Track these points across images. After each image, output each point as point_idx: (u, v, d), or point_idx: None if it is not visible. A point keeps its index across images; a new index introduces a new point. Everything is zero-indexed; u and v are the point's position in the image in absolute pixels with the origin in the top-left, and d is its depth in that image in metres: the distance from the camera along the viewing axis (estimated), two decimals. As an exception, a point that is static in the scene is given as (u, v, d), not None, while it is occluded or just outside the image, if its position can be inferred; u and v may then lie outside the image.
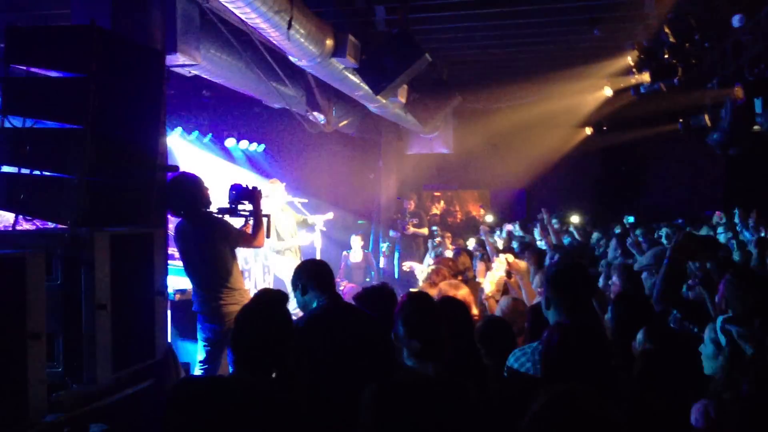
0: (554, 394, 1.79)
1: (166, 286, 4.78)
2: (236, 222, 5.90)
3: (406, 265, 8.80)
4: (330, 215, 9.48)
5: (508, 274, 5.42)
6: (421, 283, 5.64)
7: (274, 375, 2.71)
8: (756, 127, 9.27)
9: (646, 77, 8.76)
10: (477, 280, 6.48)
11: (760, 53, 7.89)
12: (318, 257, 9.18)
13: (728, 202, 11.79)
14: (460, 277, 6.33)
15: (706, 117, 10.72)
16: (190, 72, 6.47)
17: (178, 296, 6.42)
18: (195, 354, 5.57)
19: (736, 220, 8.39)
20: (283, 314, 2.78)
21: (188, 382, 2.74)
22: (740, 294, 3.38)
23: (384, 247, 13.15)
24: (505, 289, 5.48)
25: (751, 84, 8.01)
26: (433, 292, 4.62)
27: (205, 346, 5.39)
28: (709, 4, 7.36)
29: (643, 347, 3.19)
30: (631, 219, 11.93)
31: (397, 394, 2.78)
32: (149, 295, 4.23)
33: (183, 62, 5.66)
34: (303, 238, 9.04)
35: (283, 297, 2.89)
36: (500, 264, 5.35)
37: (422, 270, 7.09)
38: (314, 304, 3.73)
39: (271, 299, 2.85)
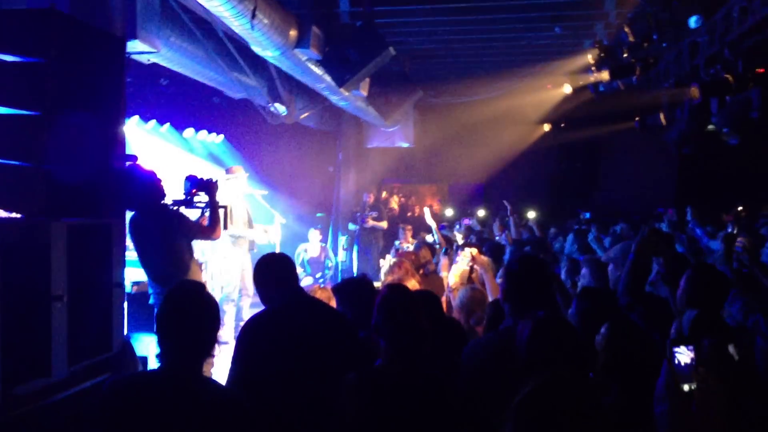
0: (540, 382, 1.80)
1: (124, 278, 4.68)
2: (192, 214, 5.80)
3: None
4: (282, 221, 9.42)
5: (471, 268, 5.43)
6: (383, 277, 5.62)
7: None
8: (710, 127, 9.49)
9: (605, 75, 8.89)
10: (441, 274, 6.50)
11: (716, 54, 8.05)
12: (278, 251, 9.12)
13: (680, 199, 12.06)
14: (421, 271, 6.35)
15: (662, 116, 10.94)
16: (149, 60, 6.34)
17: (135, 288, 6.31)
18: (151, 347, 5.47)
19: (689, 217, 8.59)
20: (205, 302, 2.74)
21: (117, 382, 2.70)
22: (701, 288, 3.45)
23: (343, 240, 13.11)
24: (469, 284, 5.50)
25: (706, 84, 8.17)
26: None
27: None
28: (668, 5, 7.49)
29: (606, 341, 3.23)
30: (587, 215, 12.11)
31: (376, 384, 2.77)
32: (106, 287, 4.13)
33: (142, 49, 5.54)
34: (258, 234, 8.84)
35: (199, 285, 2.86)
36: (464, 257, 5.36)
37: (383, 264, 7.08)
38: (276, 299, 3.68)
39: (191, 288, 2.83)
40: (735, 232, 7.24)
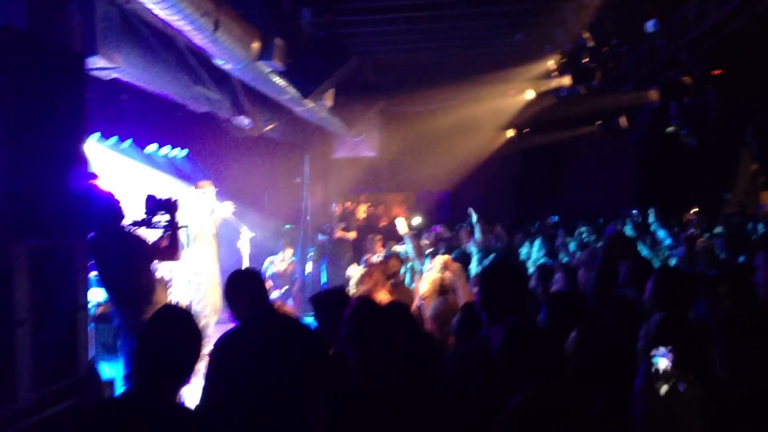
0: (529, 392, 1.80)
1: (88, 300, 4.59)
2: (153, 234, 5.66)
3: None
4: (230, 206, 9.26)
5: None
6: (353, 288, 5.59)
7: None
8: (670, 129, 9.67)
9: (566, 80, 9.00)
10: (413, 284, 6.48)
11: (673, 57, 8.22)
12: (246, 264, 9.03)
13: (642, 201, 12.24)
14: (390, 281, 6.33)
15: (623, 119, 11.12)
16: (109, 75, 6.24)
17: (100, 309, 6.18)
18: (118, 370, 5.35)
19: (651, 219, 8.71)
20: (188, 330, 2.66)
21: (84, 409, 2.63)
22: (667, 291, 3.49)
23: (312, 253, 13.04)
24: (441, 291, 5.49)
25: (665, 87, 8.32)
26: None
27: (130, 361, 5.18)
28: (626, 10, 7.62)
29: (576, 345, 3.25)
30: (555, 218, 12.22)
31: (350, 401, 2.74)
32: (70, 309, 4.05)
33: (103, 65, 5.46)
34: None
35: (186, 312, 2.79)
36: (436, 265, 5.36)
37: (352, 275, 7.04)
38: (245, 316, 3.62)
39: (174, 315, 2.75)
40: (696, 233, 7.37)
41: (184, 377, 2.61)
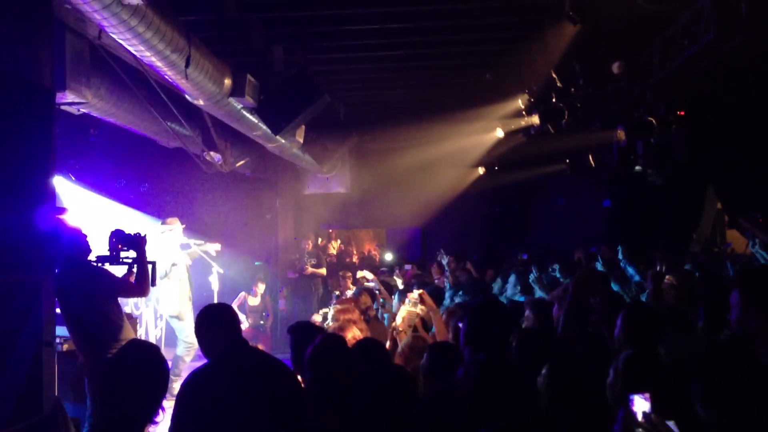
0: (496, 428, 1.79)
1: (54, 336, 4.49)
2: (119, 270, 5.59)
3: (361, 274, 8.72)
4: (217, 246, 9.23)
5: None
6: (329, 324, 5.55)
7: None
8: (637, 168, 9.84)
9: (535, 119, 9.14)
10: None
11: (639, 98, 8.40)
12: (215, 300, 8.93)
13: (611, 238, 12.38)
14: (362, 317, 6.29)
15: (591, 158, 11.30)
16: (79, 110, 6.20)
17: (66, 346, 6.04)
18: (84, 408, 5.22)
19: (620, 256, 8.81)
20: (154, 365, 2.62)
21: None
22: (634, 327, 3.52)
23: (284, 289, 12.97)
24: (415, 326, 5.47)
25: (631, 127, 8.50)
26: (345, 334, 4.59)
27: (95, 399, 5.06)
28: (593, 52, 7.80)
29: (547, 381, 3.24)
30: (525, 256, 12.30)
31: None
32: (36, 345, 3.95)
33: (72, 100, 5.43)
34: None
35: (153, 347, 2.74)
36: (411, 299, 5.37)
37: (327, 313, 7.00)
38: (216, 352, 3.57)
39: (140, 350, 2.71)
40: (662, 270, 7.45)
41: (150, 415, 2.55)
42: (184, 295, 8.33)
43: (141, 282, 5.38)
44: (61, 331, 5.82)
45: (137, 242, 5.42)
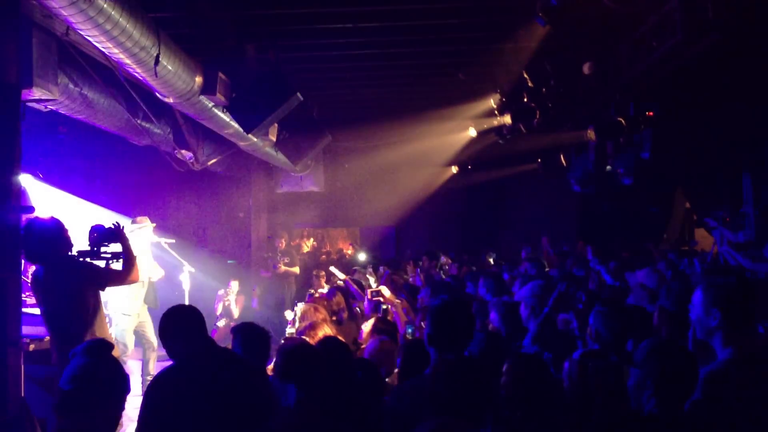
0: (431, 427, 1.81)
1: (21, 336, 4.42)
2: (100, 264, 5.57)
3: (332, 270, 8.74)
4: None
5: (384, 310, 5.46)
6: (297, 324, 5.54)
7: None
8: (608, 167, 9.96)
9: (507, 119, 9.20)
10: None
11: (608, 98, 8.50)
12: (186, 300, 8.85)
13: (581, 237, 12.53)
14: (335, 318, 6.28)
15: (562, 157, 11.41)
16: (46, 107, 6.12)
17: (32, 346, 5.96)
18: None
19: (590, 256, 8.94)
20: (120, 375, 2.58)
21: None
22: (609, 323, 3.57)
23: (256, 288, 12.91)
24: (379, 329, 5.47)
25: (601, 127, 8.59)
26: (316, 333, 4.61)
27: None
28: (564, 52, 7.87)
29: (508, 375, 3.26)
30: (494, 255, 12.43)
31: None
32: (1, 345, 3.90)
33: (39, 97, 5.36)
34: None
35: (108, 345, 2.71)
36: (369, 293, 5.40)
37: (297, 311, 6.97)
38: (184, 353, 3.55)
39: (98, 349, 2.66)
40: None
41: (113, 425, 2.52)
42: (140, 297, 8.15)
43: (128, 268, 5.38)
44: (30, 331, 5.77)
45: (117, 234, 5.43)
